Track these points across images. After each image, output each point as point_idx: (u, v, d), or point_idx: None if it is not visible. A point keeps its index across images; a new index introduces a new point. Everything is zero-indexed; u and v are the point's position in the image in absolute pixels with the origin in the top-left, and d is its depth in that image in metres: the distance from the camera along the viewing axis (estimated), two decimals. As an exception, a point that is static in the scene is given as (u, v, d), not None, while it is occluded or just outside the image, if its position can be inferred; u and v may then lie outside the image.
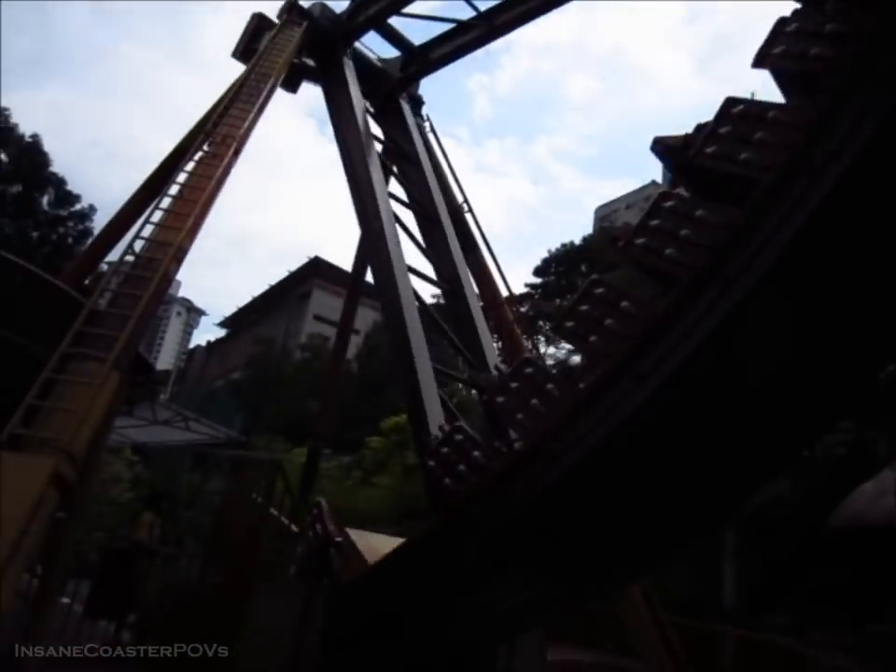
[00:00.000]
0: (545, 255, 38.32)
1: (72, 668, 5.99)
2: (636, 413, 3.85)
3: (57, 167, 30.19)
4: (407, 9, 12.00)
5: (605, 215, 64.52)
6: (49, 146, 29.94)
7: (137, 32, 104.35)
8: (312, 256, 54.90)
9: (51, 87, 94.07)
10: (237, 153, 8.39)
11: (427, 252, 11.54)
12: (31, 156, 28.96)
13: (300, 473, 13.17)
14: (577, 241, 38.23)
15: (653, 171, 67.77)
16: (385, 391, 38.26)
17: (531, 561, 5.02)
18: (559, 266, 37.40)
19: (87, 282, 15.14)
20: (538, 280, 37.81)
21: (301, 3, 12.58)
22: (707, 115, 3.81)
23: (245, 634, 6.13)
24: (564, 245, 38.07)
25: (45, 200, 29.66)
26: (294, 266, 55.88)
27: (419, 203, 12.06)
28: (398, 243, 10.11)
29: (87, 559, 10.00)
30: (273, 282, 57.98)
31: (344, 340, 19.86)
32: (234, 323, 66.50)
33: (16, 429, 4.58)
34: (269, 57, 10.56)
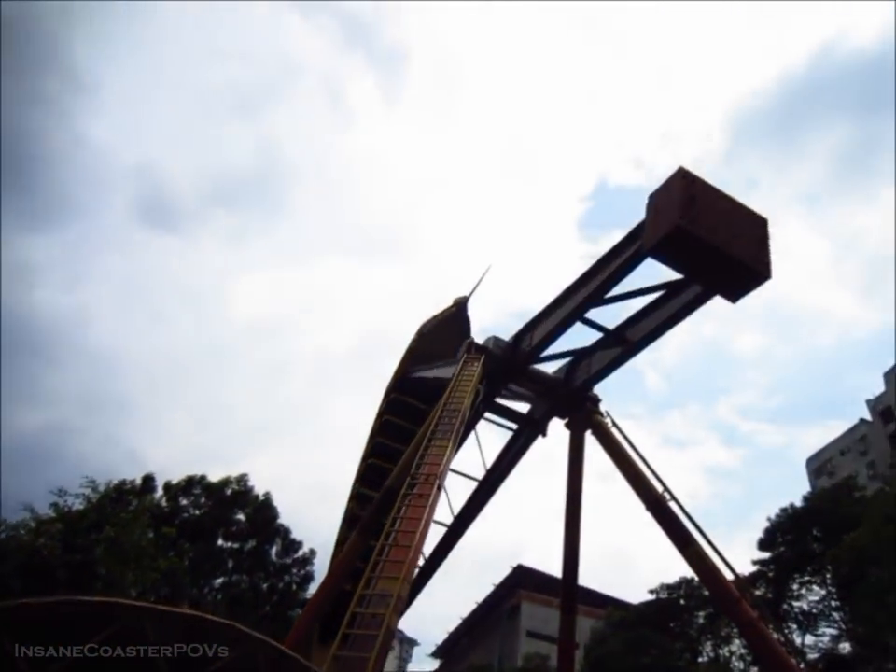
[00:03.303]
0: (764, 522, 34.38)
1: None
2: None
3: (282, 514, 33.86)
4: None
5: (818, 466, 58.20)
6: (277, 496, 34.10)
7: (343, 389, 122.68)
8: (515, 564, 53.03)
9: (279, 444, 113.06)
10: (440, 489, 8.93)
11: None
12: (263, 512, 32.83)
13: None
14: (795, 501, 34.39)
15: (858, 409, 61.77)
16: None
17: None
18: (786, 534, 33.08)
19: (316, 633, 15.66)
20: (765, 555, 33.40)
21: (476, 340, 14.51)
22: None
23: None
24: (784, 510, 34.14)
25: (273, 550, 32.64)
26: (498, 577, 54.06)
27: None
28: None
29: None
30: (480, 598, 55.80)
31: (568, 658, 18.01)
32: (447, 650, 63.38)
33: None
34: (457, 392, 11.76)
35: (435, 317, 22.04)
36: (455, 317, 21.66)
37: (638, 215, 10.93)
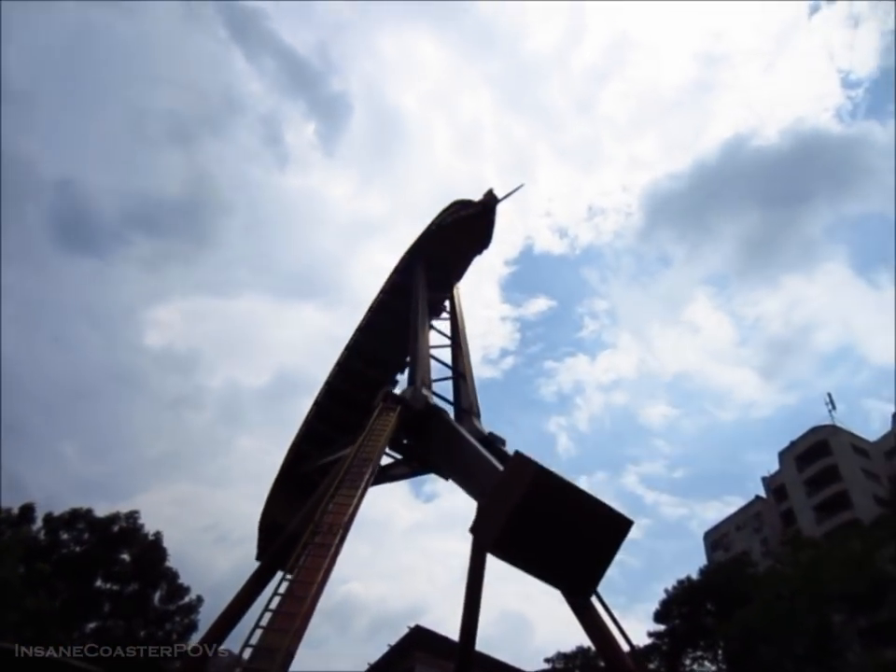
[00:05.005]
0: (662, 593, 34.99)
1: None
2: None
3: (172, 556, 31.40)
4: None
5: (716, 539, 60.19)
6: (168, 536, 31.63)
7: (251, 429, 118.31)
8: (412, 625, 51.40)
9: (177, 481, 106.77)
10: (343, 539, 8.58)
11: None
12: (151, 553, 30.48)
13: None
14: (692, 573, 35.22)
15: (754, 486, 64.71)
16: None
17: None
18: (681, 607, 33.66)
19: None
20: (661, 627, 33.79)
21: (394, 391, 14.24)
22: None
23: None
24: (681, 582, 34.85)
25: (157, 595, 30.28)
26: (394, 637, 52.13)
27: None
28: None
29: None
30: (373, 659, 53.59)
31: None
32: (334, 712, 60.20)
33: None
34: (370, 441, 11.45)
35: (457, 205, 20.06)
36: (478, 218, 19.74)
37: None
